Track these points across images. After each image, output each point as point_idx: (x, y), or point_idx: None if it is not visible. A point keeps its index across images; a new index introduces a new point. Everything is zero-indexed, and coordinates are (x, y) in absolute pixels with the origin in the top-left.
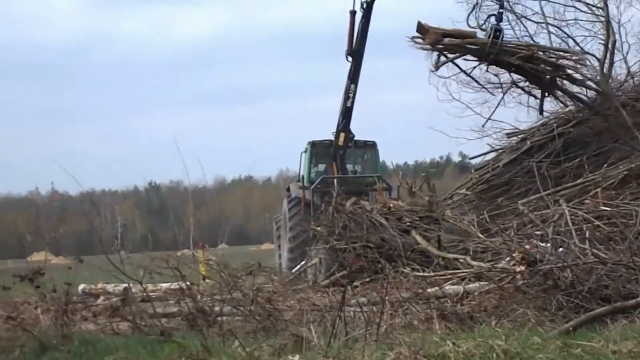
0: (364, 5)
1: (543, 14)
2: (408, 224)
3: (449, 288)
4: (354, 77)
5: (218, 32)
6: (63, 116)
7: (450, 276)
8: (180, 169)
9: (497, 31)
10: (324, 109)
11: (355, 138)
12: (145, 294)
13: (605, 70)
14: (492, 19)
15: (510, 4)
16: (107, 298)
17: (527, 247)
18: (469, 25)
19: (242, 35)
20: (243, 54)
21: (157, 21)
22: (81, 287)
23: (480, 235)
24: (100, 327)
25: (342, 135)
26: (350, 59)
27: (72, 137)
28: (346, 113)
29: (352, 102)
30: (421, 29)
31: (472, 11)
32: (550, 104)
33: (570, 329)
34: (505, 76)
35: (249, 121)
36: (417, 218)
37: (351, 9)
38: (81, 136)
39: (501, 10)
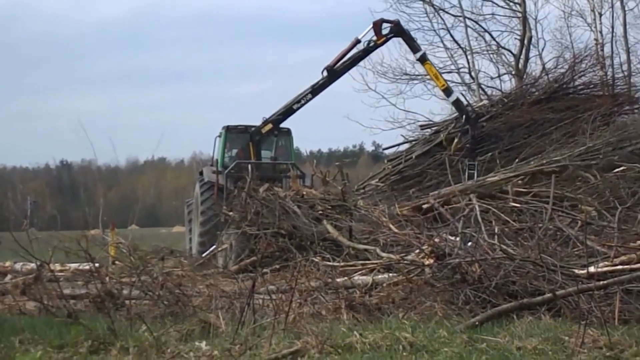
0: (370, 44)
1: (461, 7)
2: (320, 212)
3: (358, 279)
4: (317, 90)
5: (133, 13)
6: None
7: (359, 267)
8: (91, 149)
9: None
10: (240, 95)
11: None
12: (53, 274)
13: (520, 65)
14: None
15: None
16: (14, 277)
17: (437, 240)
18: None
19: (159, 16)
20: (159, 35)
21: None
22: None
23: (391, 227)
24: (7, 307)
25: (269, 126)
26: (325, 73)
27: None
28: (287, 112)
29: (299, 107)
30: None
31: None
32: (464, 98)
33: (477, 323)
34: (420, 69)
35: (165, 102)
36: (330, 207)
37: (358, 37)
38: None
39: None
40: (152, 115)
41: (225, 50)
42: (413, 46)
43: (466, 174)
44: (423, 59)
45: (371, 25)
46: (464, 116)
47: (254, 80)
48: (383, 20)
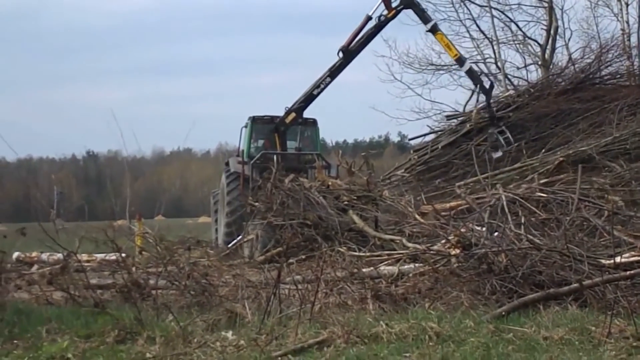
0: (381, 18)
1: None
2: (346, 203)
3: (384, 269)
4: (335, 72)
5: (164, 3)
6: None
7: (385, 257)
8: (118, 139)
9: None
10: (265, 85)
11: None
12: (79, 264)
13: (547, 56)
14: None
15: None
16: (41, 267)
17: (463, 230)
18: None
19: (187, 8)
20: (186, 26)
21: None
22: (15, 254)
23: (417, 217)
24: (34, 297)
25: (293, 115)
26: (341, 54)
27: (9, 105)
28: (308, 98)
29: (319, 92)
30: None
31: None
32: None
33: (503, 313)
34: (447, 59)
35: (191, 93)
36: (355, 197)
37: (369, 13)
38: (19, 103)
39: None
40: (178, 106)
41: (253, 41)
42: (424, 17)
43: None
44: (434, 30)
45: (380, 0)
46: (478, 85)
47: (280, 71)
48: None
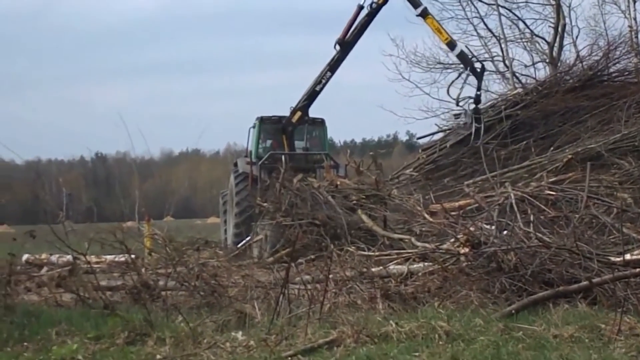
0: (373, 5)
1: None
2: (354, 202)
3: (393, 268)
4: (334, 66)
5: (169, 2)
6: (8, 84)
7: (394, 256)
8: (126, 140)
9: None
10: (272, 84)
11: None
12: (89, 265)
13: (554, 53)
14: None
15: None
16: (50, 269)
17: (472, 229)
18: (449, 95)
19: (193, 7)
20: (192, 26)
21: None
22: (25, 257)
23: (426, 216)
24: (43, 299)
25: (298, 114)
26: (338, 47)
27: (18, 105)
28: (311, 95)
29: (322, 88)
30: None
31: (451, 83)
32: (499, 86)
33: (513, 312)
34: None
35: (198, 94)
36: (364, 197)
37: (360, 3)
38: (27, 104)
39: (479, 93)
40: (187, 106)
41: (263, 40)
42: (414, 2)
43: (473, 125)
44: (424, 14)
45: None
46: (468, 68)
47: (289, 69)
48: None
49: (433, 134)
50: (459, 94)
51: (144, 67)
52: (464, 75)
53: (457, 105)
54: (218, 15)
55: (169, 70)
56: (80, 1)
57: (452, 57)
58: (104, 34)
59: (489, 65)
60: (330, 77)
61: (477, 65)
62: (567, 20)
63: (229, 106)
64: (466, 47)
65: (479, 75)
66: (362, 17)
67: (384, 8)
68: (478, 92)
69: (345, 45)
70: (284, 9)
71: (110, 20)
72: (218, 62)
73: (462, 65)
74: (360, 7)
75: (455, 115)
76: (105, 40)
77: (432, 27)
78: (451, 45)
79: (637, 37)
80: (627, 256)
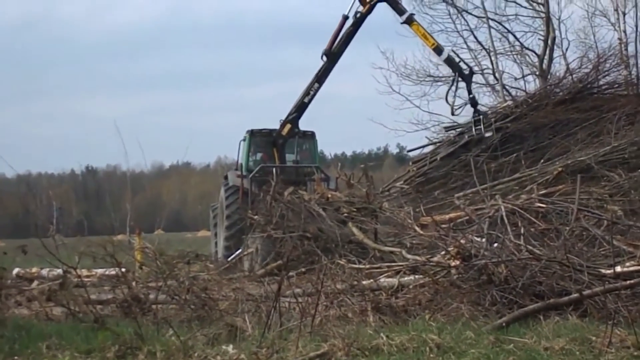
0: (357, 15)
1: (484, 8)
2: (345, 215)
3: (384, 281)
4: (321, 77)
5: (155, 17)
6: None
7: (385, 269)
8: (119, 153)
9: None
10: (263, 97)
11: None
12: (79, 279)
13: (544, 66)
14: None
15: None
16: (41, 282)
17: (462, 241)
18: (447, 101)
19: (180, 21)
20: (180, 40)
21: (96, 5)
22: (15, 270)
23: (417, 229)
24: (34, 312)
25: (288, 126)
26: (325, 58)
27: (7, 118)
28: (300, 107)
29: (310, 100)
30: None
31: (449, 89)
32: (489, 99)
33: (504, 324)
34: (445, 70)
35: (188, 107)
36: (354, 209)
37: (345, 13)
38: (16, 118)
39: (471, 96)
40: (177, 119)
41: (251, 53)
42: (398, 9)
43: (473, 128)
44: (410, 21)
45: None
46: (457, 73)
47: (278, 82)
48: None
49: (423, 146)
50: (454, 102)
51: (133, 80)
52: (454, 88)
53: (453, 114)
54: (212, 27)
55: (158, 84)
56: (71, 14)
57: (443, 70)
58: (95, 46)
59: (478, 78)
60: (319, 88)
61: (465, 68)
62: (557, 32)
63: (220, 119)
64: (452, 51)
65: (468, 78)
66: (347, 27)
67: (371, 19)
68: (471, 95)
69: (332, 56)
70: (277, 24)
71: (101, 31)
72: (211, 75)
73: (452, 74)
74: (345, 17)
75: (445, 128)
76: (96, 53)
77: (418, 33)
78: (438, 50)
79: (626, 49)
80: (618, 268)
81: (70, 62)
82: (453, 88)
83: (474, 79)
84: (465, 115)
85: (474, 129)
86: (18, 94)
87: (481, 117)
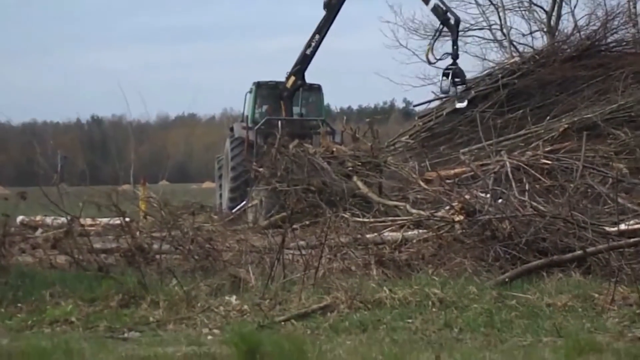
0: None
1: None
2: (350, 169)
3: (387, 235)
4: (321, 28)
5: None
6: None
7: (389, 223)
8: (123, 104)
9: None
10: (273, 50)
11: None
12: (83, 228)
13: (552, 22)
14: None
15: None
16: (45, 230)
17: (467, 197)
18: (427, 60)
19: None
20: None
21: None
22: (19, 218)
23: (421, 183)
24: (38, 260)
25: (292, 78)
26: (326, 9)
27: (13, 69)
28: (303, 60)
29: (313, 52)
30: None
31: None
32: (496, 54)
33: (507, 280)
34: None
35: (195, 59)
36: (360, 163)
37: None
38: (23, 68)
39: (455, 47)
40: (183, 72)
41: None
42: None
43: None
44: None
45: None
46: (442, 22)
47: (286, 35)
48: None
49: (430, 101)
50: (428, 51)
51: (142, 33)
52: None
53: (430, 64)
54: None
55: (167, 37)
56: None
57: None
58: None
59: (486, 34)
60: (320, 39)
61: (452, 18)
62: None
63: (226, 72)
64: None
65: (454, 29)
66: None
67: None
68: (455, 47)
69: (330, 7)
70: None
71: None
72: (218, 27)
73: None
74: None
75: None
76: (103, 5)
77: None
78: None
79: (635, 7)
80: (622, 226)
81: (76, 15)
82: (435, 38)
83: (483, 36)
84: (473, 70)
85: (441, 83)
86: (27, 46)
87: (451, 71)
